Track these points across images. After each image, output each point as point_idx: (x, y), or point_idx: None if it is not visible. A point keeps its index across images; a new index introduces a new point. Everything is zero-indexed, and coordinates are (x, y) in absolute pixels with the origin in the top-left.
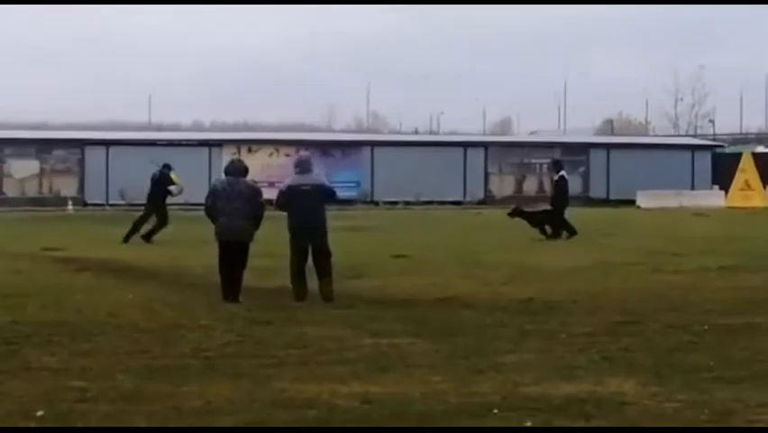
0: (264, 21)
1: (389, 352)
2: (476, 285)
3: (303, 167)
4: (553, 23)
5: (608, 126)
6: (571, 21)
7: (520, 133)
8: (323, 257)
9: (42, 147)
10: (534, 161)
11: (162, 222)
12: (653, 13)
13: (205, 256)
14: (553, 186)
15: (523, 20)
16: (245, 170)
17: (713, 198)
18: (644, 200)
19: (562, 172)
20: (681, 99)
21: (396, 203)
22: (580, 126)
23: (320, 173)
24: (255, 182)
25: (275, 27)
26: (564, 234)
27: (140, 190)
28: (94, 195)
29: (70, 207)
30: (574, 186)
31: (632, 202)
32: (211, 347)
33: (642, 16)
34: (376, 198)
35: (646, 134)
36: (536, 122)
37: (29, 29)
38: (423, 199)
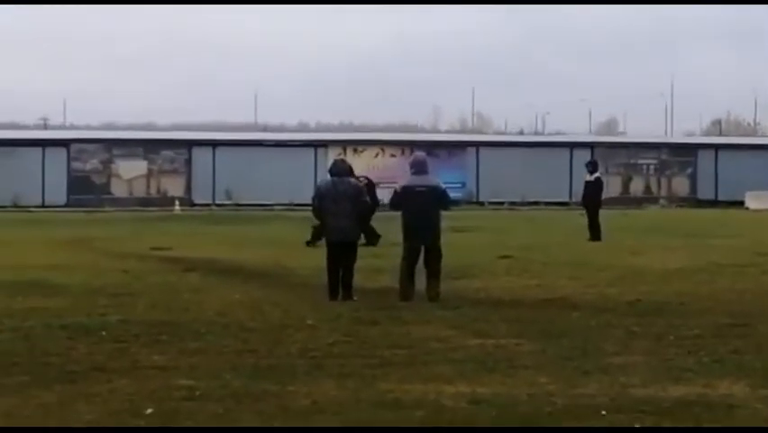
0: (370, 21)
1: (495, 352)
2: (582, 286)
3: (418, 168)
4: (660, 23)
5: (716, 127)
6: (678, 20)
7: (626, 134)
8: (434, 259)
9: (150, 147)
10: (640, 161)
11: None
12: (762, 11)
13: (309, 256)
14: (588, 186)
15: (629, 19)
16: (350, 170)
17: None
18: (752, 201)
19: (597, 174)
20: None
21: (501, 204)
22: (686, 127)
23: (435, 175)
24: (366, 179)
25: (380, 28)
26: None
27: (246, 190)
28: (201, 195)
29: (177, 207)
30: (682, 187)
31: (740, 203)
32: (317, 347)
33: (751, 15)
34: (481, 199)
35: (755, 135)
36: (642, 122)
37: (134, 28)
38: (528, 200)
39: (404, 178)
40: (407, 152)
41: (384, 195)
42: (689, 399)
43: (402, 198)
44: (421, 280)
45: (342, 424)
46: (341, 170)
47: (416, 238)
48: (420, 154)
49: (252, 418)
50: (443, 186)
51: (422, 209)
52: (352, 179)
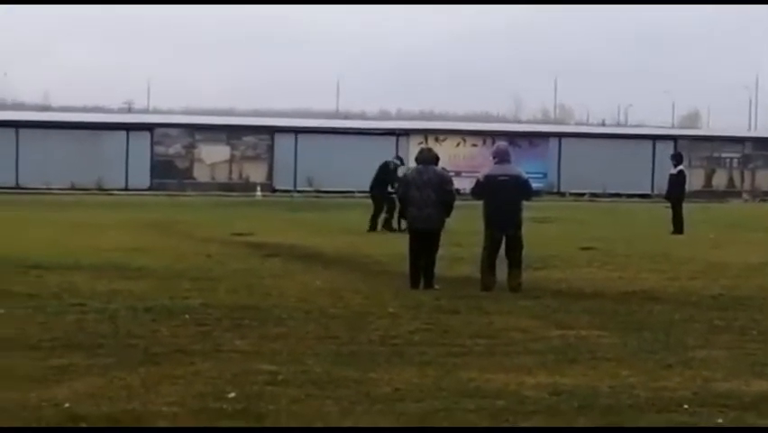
0: (453, 10)
1: (577, 344)
2: (664, 279)
3: (501, 157)
4: (745, 15)
5: None
6: (763, 12)
7: (709, 127)
8: (515, 248)
9: (233, 133)
10: (724, 155)
11: (392, 208)
12: None
13: (390, 244)
14: (672, 179)
15: (713, 12)
16: (436, 159)
17: None
18: None
19: (681, 167)
20: None
21: (582, 195)
22: None
23: (517, 165)
24: (445, 170)
25: (464, 17)
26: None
27: (326, 177)
28: (282, 181)
29: (259, 193)
30: (766, 181)
31: None
32: (399, 335)
33: None
34: (562, 190)
35: None
36: (726, 116)
37: (218, 13)
38: (609, 192)
39: (486, 167)
40: (489, 141)
41: (465, 184)
42: None
43: (484, 188)
44: (502, 270)
45: (424, 412)
46: (426, 158)
47: (497, 227)
48: (503, 144)
49: (333, 404)
50: (526, 175)
51: (504, 199)
52: (438, 168)
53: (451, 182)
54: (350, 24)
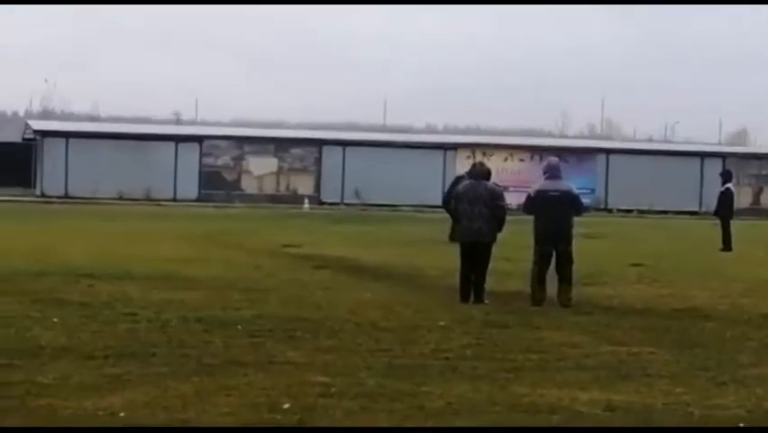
0: (498, 22)
1: (629, 360)
2: (715, 297)
3: (552, 172)
4: None
5: None
6: None
7: (757, 145)
8: (566, 264)
9: (281, 145)
10: None
11: None
12: None
13: (438, 258)
14: (720, 196)
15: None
16: (488, 174)
17: None
18: None
19: (728, 184)
20: None
21: (630, 211)
22: None
23: (568, 180)
24: (497, 185)
25: (509, 32)
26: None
27: (374, 190)
28: (330, 194)
29: (306, 205)
30: None
31: None
32: (450, 348)
33: None
34: (610, 206)
35: None
36: None
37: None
38: (657, 208)
39: (537, 182)
40: (536, 156)
41: (512, 199)
42: None
43: (535, 203)
44: (553, 286)
45: (478, 426)
46: (479, 173)
47: (547, 243)
48: (554, 159)
49: (387, 417)
50: (576, 191)
51: (555, 214)
52: (490, 183)
53: (502, 197)
54: (396, 38)
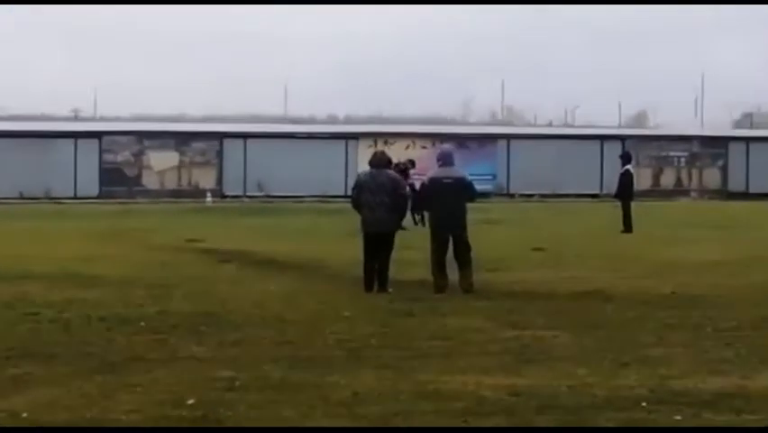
0: (396, 13)
1: (533, 344)
2: (616, 278)
3: (445, 160)
4: (689, 13)
5: (748, 120)
6: (708, 11)
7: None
8: (463, 249)
9: (181, 139)
10: (671, 153)
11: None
12: None
13: (342, 248)
14: (620, 178)
15: (657, 10)
16: (389, 162)
17: None
18: None
19: (628, 166)
20: None
21: (531, 196)
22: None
23: (461, 167)
24: (402, 165)
25: (408, 19)
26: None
27: (277, 182)
28: (232, 187)
29: (209, 198)
30: (713, 179)
31: None
32: (355, 338)
33: None
34: (512, 191)
35: None
36: (673, 115)
37: (162, 20)
38: (559, 192)
39: (431, 170)
40: (438, 143)
41: (416, 186)
42: (728, 390)
43: (429, 191)
44: (454, 272)
45: (383, 415)
46: (380, 161)
47: (443, 229)
48: (446, 146)
49: (292, 408)
50: (469, 177)
51: (449, 201)
52: (390, 172)
53: (403, 186)
54: (295, 27)
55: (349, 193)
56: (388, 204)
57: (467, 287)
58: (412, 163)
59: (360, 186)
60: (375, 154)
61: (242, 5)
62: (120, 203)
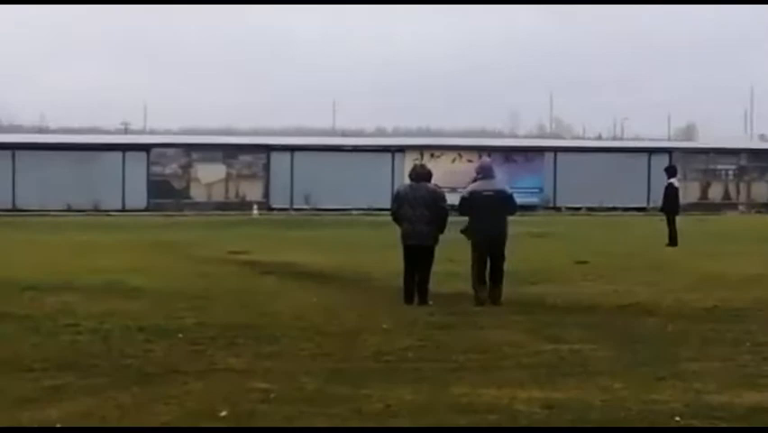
0: (446, 26)
1: (570, 358)
2: (659, 292)
3: (485, 172)
4: (739, 28)
5: None
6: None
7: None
8: (499, 262)
9: (229, 152)
10: (719, 167)
11: None
12: None
13: (386, 261)
14: (665, 191)
15: (708, 24)
16: (429, 176)
17: None
18: None
19: (672, 180)
20: None
21: (578, 209)
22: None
23: (502, 180)
24: (438, 187)
25: (458, 33)
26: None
27: (323, 195)
28: (279, 199)
29: (255, 211)
30: (762, 193)
31: None
32: (392, 351)
33: None
34: (558, 204)
35: None
36: (722, 129)
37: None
38: (606, 205)
39: (471, 183)
40: (485, 156)
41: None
42: (764, 405)
43: (469, 204)
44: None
45: (416, 426)
46: (419, 175)
47: (483, 242)
48: (486, 159)
49: (325, 421)
50: (510, 190)
51: (489, 214)
52: (430, 185)
53: (443, 199)
54: (344, 41)
55: None
56: (427, 217)
57: (495, 299)
58: None
59: (399, 199)
60: (414, 167)
61: (296, 25)
62: (167, 215)
